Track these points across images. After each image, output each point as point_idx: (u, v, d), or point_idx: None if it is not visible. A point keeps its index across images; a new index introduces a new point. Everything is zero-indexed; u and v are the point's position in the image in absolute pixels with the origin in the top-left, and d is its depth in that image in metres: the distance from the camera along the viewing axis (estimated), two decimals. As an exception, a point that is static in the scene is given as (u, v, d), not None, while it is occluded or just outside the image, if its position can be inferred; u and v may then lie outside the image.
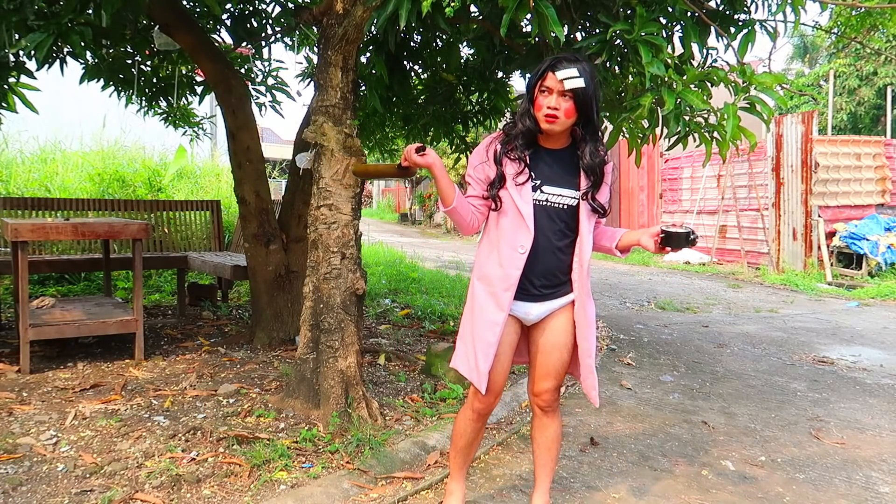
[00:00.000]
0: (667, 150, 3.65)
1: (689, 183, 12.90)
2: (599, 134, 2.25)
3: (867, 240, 9.78)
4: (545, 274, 2.24)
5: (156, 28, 4.52)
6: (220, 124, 6.33)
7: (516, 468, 3.03)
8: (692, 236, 2.13)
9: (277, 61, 5.51)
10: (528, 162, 2.20)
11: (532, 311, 2.28)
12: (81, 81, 4.79)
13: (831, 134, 13.80)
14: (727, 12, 3.71)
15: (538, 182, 2.21)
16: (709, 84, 3.27)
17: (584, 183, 2.22)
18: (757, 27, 3.65)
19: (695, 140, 3.43)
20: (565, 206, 2.21)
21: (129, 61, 5.03)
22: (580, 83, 2.08)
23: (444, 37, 4.48)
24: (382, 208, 35.01)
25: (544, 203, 2.21)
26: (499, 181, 2.22)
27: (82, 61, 4.71)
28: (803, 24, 3.85)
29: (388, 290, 7.36)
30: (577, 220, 2.22)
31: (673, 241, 2.15)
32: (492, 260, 2.26)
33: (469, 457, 2.48)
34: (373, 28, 3.76)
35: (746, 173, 11.25)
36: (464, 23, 4.20)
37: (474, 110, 5.26)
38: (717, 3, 3.78)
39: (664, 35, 3.23)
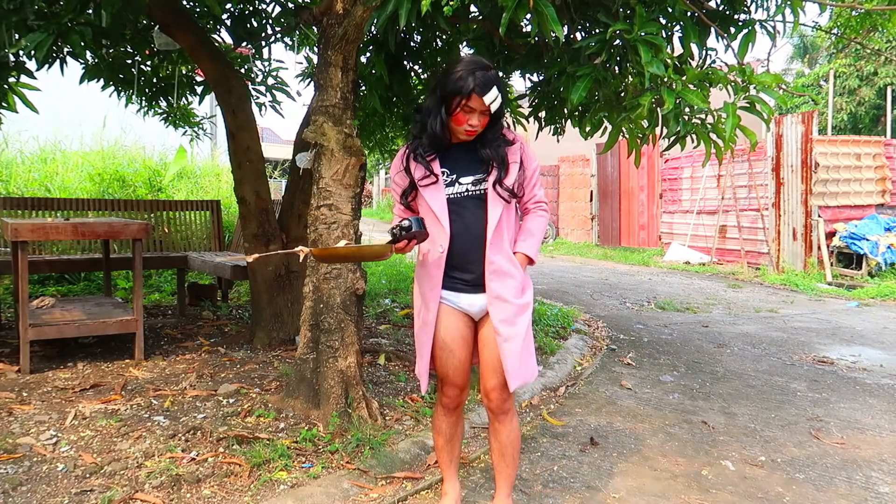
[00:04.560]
0: (665, 150, 3.65)
1: (689, 183, 12.90)
2: (502, 122, 2.27)
3: (867, 240, 9.78)
4: (480, 262, 2.25)
5: (156, 28, 4.52)
6: (220, 124, 6.34)
7: (516, 468, 3.03)
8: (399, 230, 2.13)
9: (277, 61, 5.52)
10: (431, 168, 2.24)
11: (476, 301, 2.28)
12: (81, 81, 4.79)
13: (831, 134, 13.81)
14: (727, 12, 3.71)
15: (455, 176, 2.25)
16: (707, 84, 3.27)
17: (491, 168, 2.24)
18: (757, 27, 3.65)
19: (693, 140, 3.43)
20: (484, 192, 2.24)
21: (129, 61, 5.04)
22: (499, 102, 2.16)
23: (444, 37, 4.49)
24: (382, 208, 35.02)
25: (465, 193, 2.24)
26: (410, 189, 2.31)
27: (82, 61, 4.71)
28: (803, 24, 3.85)
29: (388, 290, 7.36)
30: (495, 199, 2.23)
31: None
32: (421, 261, 2.34)
33: (453, 454, 2.46)
34: (373, 28, 3.77)
35: (746, 173, 11.25)
36: (463, 23, 4.20)
37: (474, 110, 5.24)
38: (717, 3, 3.78)
39: (664, 35, 3.23)
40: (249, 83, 5.34)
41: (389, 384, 4.05)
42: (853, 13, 4.32)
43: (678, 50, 3.58)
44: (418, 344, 2.37)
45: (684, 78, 3.20)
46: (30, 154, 9.28)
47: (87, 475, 2.71)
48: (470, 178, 2.25)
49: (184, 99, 5.88)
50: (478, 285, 2.26)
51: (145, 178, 9.14)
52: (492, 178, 2.23)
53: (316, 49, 3.70)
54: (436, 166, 2.25)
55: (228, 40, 5.26)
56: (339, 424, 3.19)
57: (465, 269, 2.27)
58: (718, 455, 3.28)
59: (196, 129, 6.37)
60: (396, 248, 2.17)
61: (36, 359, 4.27)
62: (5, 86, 4.02)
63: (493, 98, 2.13)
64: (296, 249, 2.26)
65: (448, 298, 2.30)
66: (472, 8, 4.08)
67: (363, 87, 4.24)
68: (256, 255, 2.28)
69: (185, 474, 2.71)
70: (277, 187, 13.90)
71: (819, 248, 10.10)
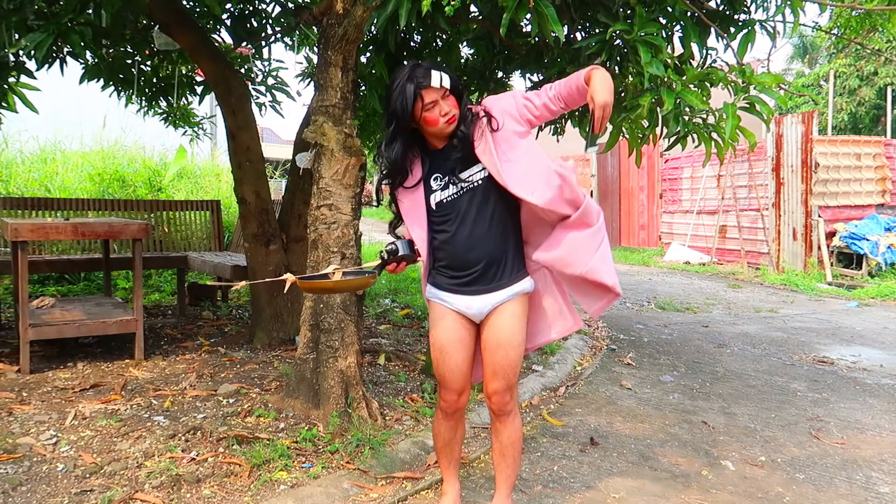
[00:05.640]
0: (665, 151, 3.65)
1: (689, 183, 12.89)
2: (465, 100, 2.22)
3: (867, 240, 9.78)
4: (475, 263, 2.21)
5: (156, 28, 4.52)
6: (220, 124, 6.34)
7: (516, 468, 3.03)
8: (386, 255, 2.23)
9: (277, 61, 5.52)
10: (410, 191, 2.26)
11: (473, 304, 2.24)
12: (81, 81, 4.79)
13: (831, 134, 13.81)
14: (727, 12, 3.71)
15: (446, 179, 2.22)
16: (707, 85, 3.28)
17: (480, 153, 2.18)
18: (756, 27, 3.65)
19: (693, 140, 3.43)
20: (480, 182, 2.19)
21: (129, 61, 5.03)
22: (447, 76, 2.12)
23: (444, 37, 4.48)
24: (382, 208, 35.01)
25: (459, 192, 2.21)
26: (397, 220, 2.36)
27: (82, 61, 4.71)
28: (803, 24, 3.85)
29: (388, 290, 7.36)
30: (492, 189, 2.20)
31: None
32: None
33: (452, 456, 2.45)
34: (373, 28, 3.77)
35: (746, 173, 11.25)
36: (464, 23, 4.20)
37: (474, 110, 5.24)
38: (717, 3, 3.78)
39: (664, 35, 3.24)
40: (249, 83, 5.34)
41: (389, 384, 4.05)
42: (853, 13, 4.31)
43: (678, 50, 3.58)
44: None
45: (684, 78, 3.20)
46: (30, 154, 9.28)
47: (87, 475, 2.71)
48: (461, 175, 2.20)
49: (184, 99, 5.88)
50: (473, 285, 2.22)
51: (145, 178, 9.14)
52: (490, 160, 2.15)
53: (316, 49, 3.70)
54: (413, 184, 2.26)
55: (228, 40, 5.25)
56: (339, 424, 3.19)
57: (463, 268, 2.22)
58: (718, 455, 3.28)
59: (196, 129, 6.37)
60: (388, 270, 2.25)
61: (36, 359, 4.27)
62: (5, 86, 4.02)
63: (439, 79, 2.10)
64: (283, 277, 2.30)
65: (444, 300, 2.27)
66: (472, 8, 4.08)
67: (363, 87, 4.24)
68: (243, 283, 2.41)
69: (185, 474, 2.71)
70: (277, 187, 13.89)
71: (819, 248, 10.10)
